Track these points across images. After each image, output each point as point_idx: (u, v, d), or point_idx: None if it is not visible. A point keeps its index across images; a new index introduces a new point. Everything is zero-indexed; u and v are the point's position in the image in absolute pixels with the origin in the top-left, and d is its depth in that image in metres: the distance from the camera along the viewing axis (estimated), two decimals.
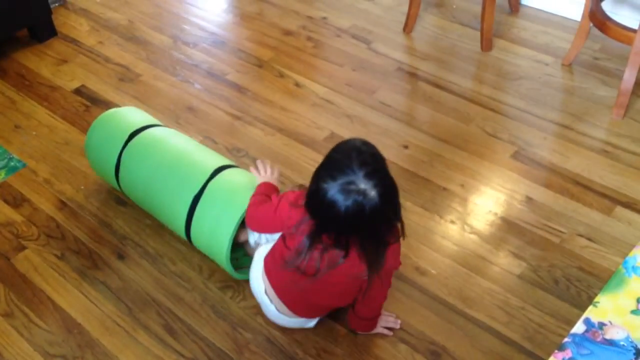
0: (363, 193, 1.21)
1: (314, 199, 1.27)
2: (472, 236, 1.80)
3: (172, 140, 1.80)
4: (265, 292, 1.51)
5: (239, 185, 1.62)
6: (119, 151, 1.79)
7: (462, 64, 2.47)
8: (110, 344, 1.58)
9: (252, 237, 1.61)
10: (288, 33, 2.70)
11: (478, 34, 2.56)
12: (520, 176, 1.98)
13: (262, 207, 1.47)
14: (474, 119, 2.21)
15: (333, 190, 1.21)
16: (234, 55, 2.59)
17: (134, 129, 1.82)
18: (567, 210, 1.86)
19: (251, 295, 1.62)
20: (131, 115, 1.91)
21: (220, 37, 2.71)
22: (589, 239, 1.77)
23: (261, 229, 1.54)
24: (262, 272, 1.51)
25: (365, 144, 1.28)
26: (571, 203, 1.88)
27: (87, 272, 1.76)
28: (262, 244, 1.58)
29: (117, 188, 1.88)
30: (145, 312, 1.65)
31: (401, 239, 1.39)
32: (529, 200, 1.90)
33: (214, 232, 1.59)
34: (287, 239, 1.42)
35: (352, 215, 1.22)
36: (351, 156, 1.23)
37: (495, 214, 1.86)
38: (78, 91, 2.43)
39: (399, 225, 1.36)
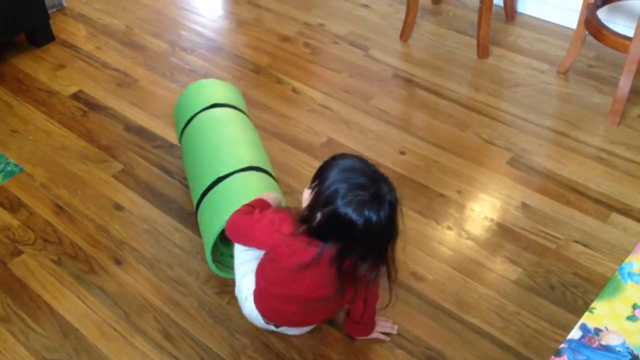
0: (389, 204, 1.27)
1: (341, 228, 1.26)
2: (469, 242, 1.81)
3: (239, 124, 1.88)
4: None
5: (256, 188, 1.64)
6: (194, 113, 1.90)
7: (459, 71, 2.49)
8: (106, 348, 1.58)
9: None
10: (285, 39, 2.71)
11: (474, 41, 2.57)
12: (516, 182, 1.99)
13: (244, 219, 1.45)
14: (470, 125, 2.22)
15: (361, 208, 1.23)
16: (231, 61, 2.60)
17: (216, 102, 1.91)
18: (562, 217, 1.87)
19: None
20: (223, 91, 1.99)
21: (218, 43, 2.72)
22: (585, 245, 1.78)
23: (238, 240, 1.51)
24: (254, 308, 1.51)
25: (359, 159, 1.33)
26: (567, 209, 1.89)
27: (84, 276, 1.76)
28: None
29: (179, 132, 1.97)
30: (142, 317, 1.65)
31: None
32: (525, 206, 1.91)
33: (212, 218, 1.61)
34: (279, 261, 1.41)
35: (386, 222, 1.26)
36: (366, 170, 1.28)
37: (492, 220, 1.87)
38: (75, 96, 2.43)
39: None
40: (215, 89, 1.98)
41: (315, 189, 1.31)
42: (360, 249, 1.30)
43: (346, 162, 1.32)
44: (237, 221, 1.47)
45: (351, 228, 1.26)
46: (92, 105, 2.38)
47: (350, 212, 1.24)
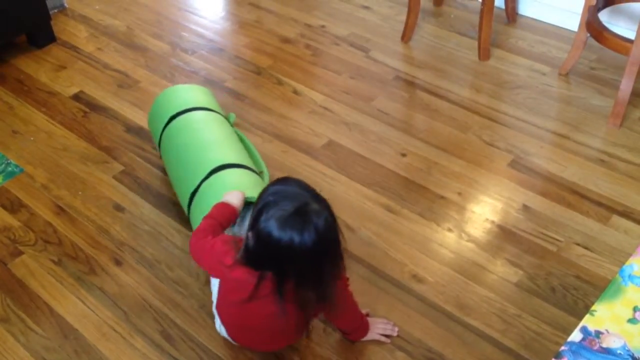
0: (317, 212, 1.21)
1: (267, 249, 1.23)
2: (469, 244, 1.81)
3: (212, 126, 1.89)
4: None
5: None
6: (167, 120, 1.93)
7: (460, 73, 2.49)
8: (106, 349, 1.58)
9: None
10: (286, 41, 2.71)
11: (476, 43, 2.57)
12: (517, 185, 1.98)
13: (200, 243, 1.40)
14: (471, 127, 2.22)
15: (283, 224, 1.19)
16: (232, 62, 2.60)
17: (189, 107, 1.92)
18: (563, 219, 1.86)
19: None
20: (194, 94, 2.01)
21: (219, 44, 2.72)
22: (586, 248, 1.77)
23: (198, 262, 1.46)
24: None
25: (295, 180, 1.30)
26: (568, 212, 1.89)
27: (84, 277, 1.75)
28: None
29: (156, 140, 1.99)
30: (142, 318, 1.65)
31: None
32: (525, 208, 1.90)
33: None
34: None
35: (313, 245, 1.20)
36: (297, 186, 1.25)
37: (492, 222, 1.87)
38: (76, 97, 2.43)
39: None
40: (182, 95, 1.99)
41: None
42: (293, 274, 1.26)
43: (281, 184, 1.29)
44: (193, 247, 1.43)
45: (277, 248, 1.21)
46: (93, 106, 2.38)
47: (272, 228, 1.20)
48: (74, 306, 1.68)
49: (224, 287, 1.45)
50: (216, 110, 1.99)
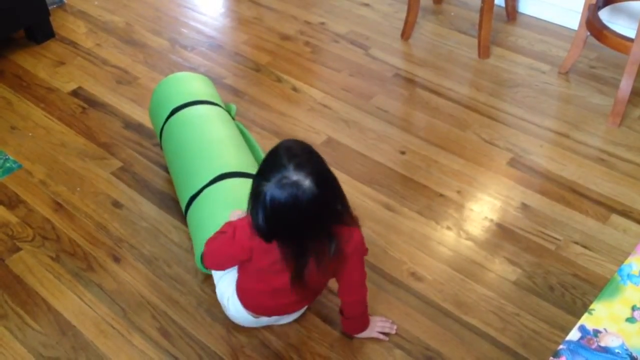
0: (296, 184, 1.23)
1: (255, 205, 1.27)
2: (468, 242, 1.80)
3: (216, 123, 1.88)
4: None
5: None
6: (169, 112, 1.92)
7: (460, 71, 2.48)
8: (104, 346, 1.58)
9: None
10: (286, 38, 2.71)
11: (475, 41, 2.57)
12: (516, 183, 1.98)
13: (217, 241, 1.45)
14: (470, 125, 2.22)
15: (268, 188, 1.24)
16: (231, 59, 2.59)
17: (192, 99, 1.91)
18: (562, 218, 1.86)
19: None
20: (198, 85, 2.00)
21: (218, 40, 2.71)
22: (585, 247, 1.77)
23: (221, 263, 1.51)
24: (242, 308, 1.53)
25: (296, 141, 1.32)
26: (567, 210, 1.88)
27: (82, 274, 1.75)
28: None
29: (158, 131, 1.98)
30: (140, 315, 1.64)
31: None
32: (524, 207, 1.90)
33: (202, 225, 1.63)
34: (255, 262, 1.42)
35: (290, 207, 1.24)
36: (280, 155, 1.26)
37: (491, 220, 1.87)
38: (75, 93, 2.42)
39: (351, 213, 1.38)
40: (185, 85, 1.99)
41: None
42: (294, 234, 1.31)
43: (282, 143, 1.30)
44: (214, 246, 1.46)
45: (283, 209, 1.25)
46: (92, 102, 2.37)
47: (262, 193, 1.24)
48: (71, 303, 1.68)
49: (253, 263, 1.44)
50: (218, 102, 1.98)
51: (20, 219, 1.92)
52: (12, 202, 1.97)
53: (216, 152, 1.76)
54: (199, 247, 1.60)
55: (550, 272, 1.71)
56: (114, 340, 1.59)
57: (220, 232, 1.47)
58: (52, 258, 1.80)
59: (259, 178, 1.28)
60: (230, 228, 1.43)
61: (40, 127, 2.26)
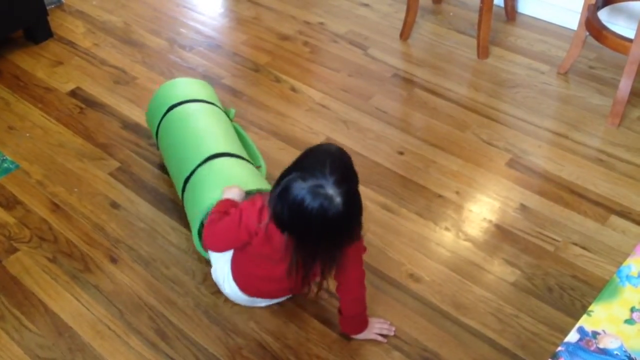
0: (330, 198, 1.23)
1: (283, 197, 1.27)
2: (467, 243, 1.80)
3: (210, 116, 1.90)
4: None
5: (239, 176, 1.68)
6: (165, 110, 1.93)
7: (459, 71, 2.48)
8: (101, 347, 1.57)
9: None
10: (285, 38, 2.70)
11: (474, 41, 2.56)
12: (515, 184, 1.98)
13: (222, 223, 1.46)
14: (469, 126, 2.21)
15: (302, 190, 1.23)
16: (230, 59, 2.58)
17: (188, 99, 1.93)
18: (561, 219, 1.86)
19: None
20: (192, 88, 2.01)
21: (217, 40, 2.70)
22: (583, 248, 1.77)
23: (223, 246, 1.52)
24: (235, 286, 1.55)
25: (341, 152, 1.31)
26: (565, 211, 1.88)
27: (79, 275, 1.74)
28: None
29: (154, 128, 1.99)
30: (137, 317, 1.64)
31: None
32: (523, 208, 1.90)
33: (198, 202, 1.65)
34: (255, 246, 1.43)
35: (315, 217, 1.24)
36: (325, 162, 1.25)
37: (490, 221, 1.86)
38: (73, 93, 2.42)
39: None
40: (182, 88, 2.00)
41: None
42: (300, 230, 1.31)
43: (328, 149, 1.31)
44: (218, 228, 1.47)
45: (286, 203, 1.26)
46: (90, 102, 2.37)
47: (292, 189, 1.24)
48: (68, 304, 1.67)
49: (253, 247, 1.45)
50: (215, 103, 1.99)
51: (18, 220, 1.91)
52: (10, 203, 1.97)
53: (209, 138, 1.79)
54: (196, 225, 1.63)
55: (549, 273, 1.71)
56: (111, 341, 1.58)
57: (223, 213, 1.48)
58: (49, 259, 1.79)
59: (296, 173, 1.26)
60: (236, 211, 1.43)
61: (38, 128, 2.26)
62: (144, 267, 1.76)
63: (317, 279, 1.50)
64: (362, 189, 1.97)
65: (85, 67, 2.55)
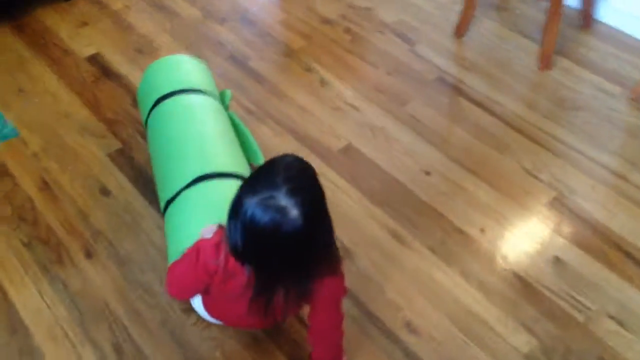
0: (282, 210, 1.04)
1: (234, 219, 1.09)
2: (480, 295, 1.54)
3: (203, 116, 1.65)
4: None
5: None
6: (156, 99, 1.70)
7: (514, 82, 2.16)
8: (51, 355, 1.43)
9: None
10: (326, 21, 2.45)
11: (538, 48, 2.23)
12: (553, 230, 1.69)
13: (180, 266, 1.28)
14: (513, 150, 1.92)
15: (251, 205, 1.05)
16: (261, 39, 2.36)
17: (179, 87, 1.69)
18: (600, 281, 1.57)
19: (214, 325, 1.45)
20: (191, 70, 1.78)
21: (252, 16, 2.48)
22: (620, 323, 1.48)
23: (187, 292, 1.35)
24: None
25: (301, 161, 1.12)
26: (607, 273, 1.58)
27: (50, 267, 1.61)
28: None
29: (144, 117, 1.77)
30: (97, 325, 1.49)
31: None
32: (557, 261, 1.61)
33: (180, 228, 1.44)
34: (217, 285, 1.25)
35: (268, 234, 1.05)
36: (278, 171, 1.08)
37: (514, 272, 1.59)
38: (92, 59, 2.27)
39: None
40: (174, 71, 1.77)
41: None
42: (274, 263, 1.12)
43: (285, 159, 1.12)
44: (176, 272, 1.30)
45: (261, 233, 1.07)
46: (106, 71, 2.21)
47: (243, 204, 1.07)
48: (31, 298, 1.54)
49: (215, 287, 1.28)
50: (210, 89, 1.76)
51: (3, 194, 1.79)
52: (0, 174, 1.85)
53: (197, 151, 1.54)
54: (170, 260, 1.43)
55: (571, 350, 1.43)
56: (63, 349, 1.44)
57: (185, 255, 1.29)
58: (23, 243, 1.67)
59: (246, 188, 1.10)
60: (192, 250, 1.25)
61: (48, 93, 2.13)
62: (118, 268, 1.61)
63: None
64: (374, 209, 1.77)
65: (111, 31, 2.40)
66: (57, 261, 1.63)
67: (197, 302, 1.41)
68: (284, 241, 1.07)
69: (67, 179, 1.84)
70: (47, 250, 1.65)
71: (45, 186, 1.82)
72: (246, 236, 1.09)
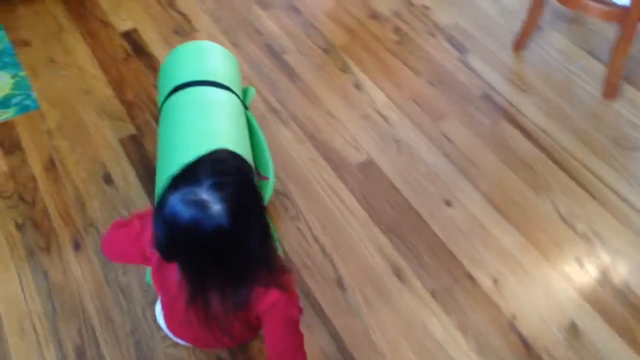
0: (202, 205, 0.96)
1: (158, 217, 1.01)
2: (474, 355, 1.37)
3: (220, 115, 1.55)
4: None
5: None
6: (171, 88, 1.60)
7: (571, 109, 1.92)
8: (14, 348, 1.40)
9: None
10: (374, 16, 2.27)
11: (606, 71, 1.97)
12: (576, 291, 1.48)
13: (121, 231, 1.22)
14: (551, 190, 1.70)
15: (173, 201, 0.98)
16: (303, 30, 2.22)
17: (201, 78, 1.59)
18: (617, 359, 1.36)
19: (182, 345, 1.37)
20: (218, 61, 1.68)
21: (298, 3, 2.33)
22: None
23: (117, 257, 1.31)
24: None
25: (234, 156, 1.06)
26: (628, 352, 1.37)
27: (37, 253, 1.57)
28: None
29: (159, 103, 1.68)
30: (68, 323, 1.44)
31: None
32: (573, 329, 1.41)
33: None
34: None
35: (189, 233, 0.97)
36: (202, 163, 1.01)
37: (519, 334, 1.41)
38: (127, 35, 2.21)
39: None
40: (199, 58, 1.66)
41: None
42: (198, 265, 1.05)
43: (214, 153, 1.05)
44: (115, 235, 1.24)
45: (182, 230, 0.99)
46: (138, 50, 2.15)
47: (165, 201, 0.99)
48: (10, 284, 1.52)
49: (158, 280, 1.21)
50: (234, 87, 1.64)
51: (10, 170, 1.77)
52: (11, 148, 1.84)
53: (203, 151, 1.44)
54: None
55: None
56: (28, 345, 1.41)
57: (129, 221, 1.23)
58: (17, 225, 1.64)
59: (171, 183, 1.01)
60: (138, 223, 1.19)
61: (76, 67, 2.09)
62: (101, 265, 1.55)
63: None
64: (380, 238, 1.61)
65: (152, 6, 2.33)
66: (45, 249, 1.59)
67: (161, 319, 1.34)
68: (205, 240, 0.98)
69: (73, 161, 1.80)
70: (37, 236, 1.62)
71: (51, 166, 1.78)
72: (167, 235, 1.01)
